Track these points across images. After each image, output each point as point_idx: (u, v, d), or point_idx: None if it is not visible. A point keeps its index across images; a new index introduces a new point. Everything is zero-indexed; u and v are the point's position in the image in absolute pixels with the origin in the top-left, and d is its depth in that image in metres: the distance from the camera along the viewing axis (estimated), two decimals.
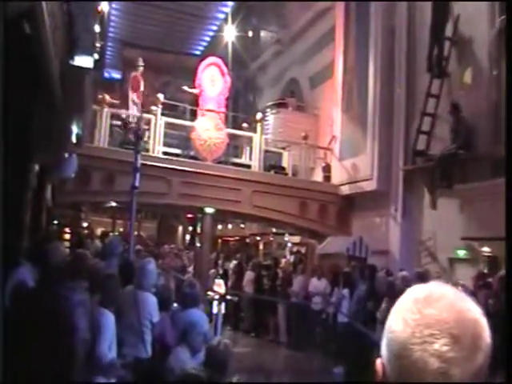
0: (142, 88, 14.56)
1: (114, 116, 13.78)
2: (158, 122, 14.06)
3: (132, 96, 14.38)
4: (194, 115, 15.54)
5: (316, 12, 18.24)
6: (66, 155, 8.78)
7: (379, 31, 13.87)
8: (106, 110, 13.47)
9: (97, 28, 8.39)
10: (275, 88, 21.65)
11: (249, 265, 16.76)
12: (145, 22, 23.55)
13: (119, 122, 13.87)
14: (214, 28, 24.49)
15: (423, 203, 12.29)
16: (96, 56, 8.49)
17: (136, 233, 22.36)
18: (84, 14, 6.75)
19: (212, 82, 15.22)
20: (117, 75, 26.00)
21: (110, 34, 23.40)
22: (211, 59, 15.68)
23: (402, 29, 13.37)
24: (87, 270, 5.63)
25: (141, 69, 14.91)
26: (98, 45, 9.25)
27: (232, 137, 15.51)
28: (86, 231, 19.86)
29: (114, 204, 14.92)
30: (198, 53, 25.68)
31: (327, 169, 15.70)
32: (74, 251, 7.50)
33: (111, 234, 19.75)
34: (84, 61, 7.01)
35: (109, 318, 4.97)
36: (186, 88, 15.31)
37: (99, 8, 10.07)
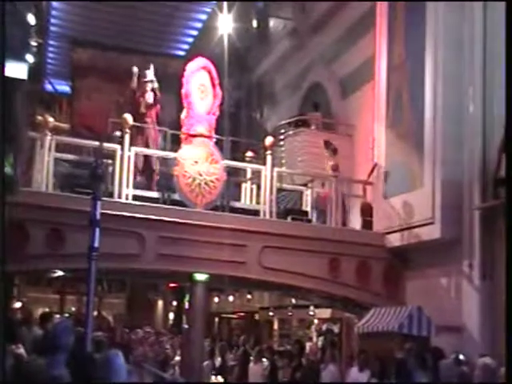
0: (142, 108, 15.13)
1: (60, 146, 13.80)
2: (126, 154, 14.13)
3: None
4: (177, 142, 15.58)
5: None
6: None
7: (441, 13, 13.87)
8: (48, 137, 13.47)
9: (31, 19, 8.25)
10: (292, 99, 21.87)
11: (258, 352, 16.53)
12: (102, 11, 23.60)
13: (69, 156, 13.93)
14: (204, 17, 24.59)
15: None
16: (31, 59, 8.34)
17: (96, 313, 22.15)
18: None
19: (202, 94, 15.28)
20: (63, 86, 26.10)
21: (53, 29, 23.49)
22: (200, 61, 15.79)
23: (476, 7, 13.36)
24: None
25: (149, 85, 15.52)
26: (34, 43, 9.11)
27: (232, 171, 15.71)
28: (19, 314, 19.59)
29: (62, 273, 14.88)
30: (181, 53, 25.83)
31: (368, 211, 15.74)
32: None
33: (58, 316, 19.51)
34: (13, 68, 6.87)
35: None
36: None
37: None
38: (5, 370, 5.30)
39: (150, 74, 15.71)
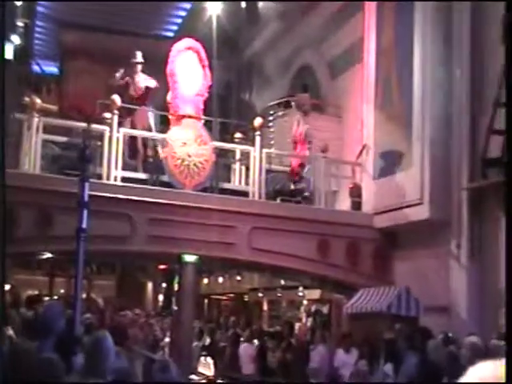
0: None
1: (48, 128, 13.76)
2: (115, 136, 14.12)
3: None
4: (165, 123, 15.62)
5: None
6: None
7: None
8: (36, 119, 13.44)
9: None
10: (281, 81, 21.83)
11: (248, 333, 16.63)
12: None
13: (57, 138, 13.91)
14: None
15: (500, 235, 12.10)
16: (18, 41, 8.28)
17: (85, 295, 22.14)
18: None
19: (189, 74, 15.23)
20: (51, 68, 25.92)
21: (40, 10, 23.29)
22: (188, 42, 15.78)
23: None
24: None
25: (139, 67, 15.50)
26: (20, 24, 9.04)
27: (221, 153, 15.66)
28: (7, 296, 19.61)
29: (50, 255, 14.84)
30: (169, 34, 25.68)
31: (357, 192, 15.75)
32: None
33: (47, 298, 19.50)
34: None
35: None
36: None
37: None
38: (4, 369, 5.36)
39: (139, 55, 15.66)
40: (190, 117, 14.93)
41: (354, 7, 16.97)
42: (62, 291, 24.28)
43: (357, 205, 15.65)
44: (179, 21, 25.70)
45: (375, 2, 15.69)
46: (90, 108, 15.99)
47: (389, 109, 15.01)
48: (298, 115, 16.69)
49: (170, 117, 15.21)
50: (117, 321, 16.78)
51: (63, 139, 14.32)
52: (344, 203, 16.18)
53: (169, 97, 15.23)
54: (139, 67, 15.63)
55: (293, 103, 18.20)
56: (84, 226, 8.84)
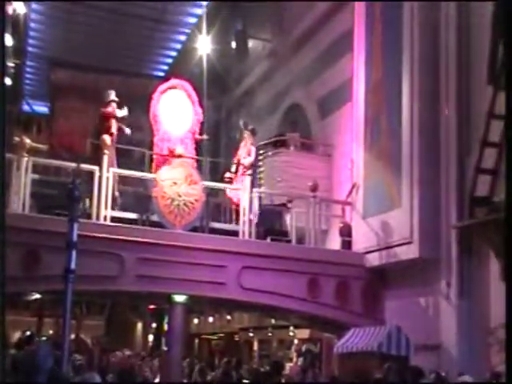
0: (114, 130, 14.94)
1: (38, 168, 13.82)
2: (105, 175, 14.12)
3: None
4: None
5: (324, 11, 18.62)
6: None
7: (417, 31, 14.00)
8: (25, 159, 13.44)
9: (9, 40, 8.20)
10: (270, 119, 21.88)
11: (238, 373, 16.49)
12: (81, 32, 23.60)
13: (46, 177, 14.10)
14: (183, 38, 24.67)
15: (489, 274, 12.21)
16: (9, 81, 8.31)
17: (73, 335, 22.00)
18: None
19: (177, 113, 15.28)
20: (42, 107, 25.99)
21: (31, 49, 23.42)
22: (172, 82, 16.06)
23: (450, 25, 13.50)
24: None
25: (113, 105, 15.30)
26: (11, 64, 9.08)
27: (211, 192, 15.69)
28: None
29: (39, 296, 14.82)
30: (160, 74, 25.85)
31: (347, 231, 15.75)
32: None
33: (36, 339, 19.37)
34: None
35: None
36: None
37: (9, 9, 9.90)
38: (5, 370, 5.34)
39: (112, 94, 15.64)
40: (179, 156, 14.93)
41: (344, 46, 17.03)
42: (51, 332, 24.12)
43: (347, 244, 15.60)
44: (170, 61, 25.94)
45: (364, 42, 15.76)
46: (80, 147, 16.03)
47: (378, 148, 15.02)
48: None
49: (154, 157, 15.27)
50: (106, 361, 16.69)
51: (52, 178, 14.33)
52: (334, 242, 16.15)
53: (155, 138, 15.31)
54: (114, 105, 15.60)
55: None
56: (72, 266, 8.80)
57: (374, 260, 14.82)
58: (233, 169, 16.48)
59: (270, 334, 21.21)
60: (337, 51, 17.84)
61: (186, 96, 15.64)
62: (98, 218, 13.82)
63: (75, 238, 8.88)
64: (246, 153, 16.40)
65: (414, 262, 13.71)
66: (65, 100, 24.23)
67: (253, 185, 15.72)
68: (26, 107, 25.67)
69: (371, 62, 15.60)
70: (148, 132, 16.37)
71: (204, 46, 21.36)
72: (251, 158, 16.21)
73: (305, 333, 18.54)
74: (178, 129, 15.34)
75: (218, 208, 16.57)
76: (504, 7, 11.17)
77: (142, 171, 15.70)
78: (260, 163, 17.80)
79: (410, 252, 13.65)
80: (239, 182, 16.05)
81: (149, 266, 13.70)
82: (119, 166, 15.04)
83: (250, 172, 15.53)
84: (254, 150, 16.48)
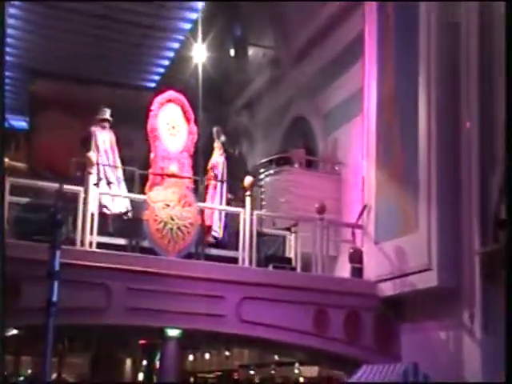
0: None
1: (16, 189, 13.76)
2: (90, 196, 14.10)
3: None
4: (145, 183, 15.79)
5: (331, 14, 18.78)
6: None
7: (434, 35, 13.99)
8: None
9: None
10: (272, 134, 21.82)
11: None
12: (64, 40, 23.60)
13: (26, 200, 13.97)
14: (176, 46, 24.70)
15: None
16: None
17: (55, 375, 21.88)
18: None
19: (173, 130, 15.38)
20: (20, 122, 25.99)
21: (9, 59, 23.39)
22: (170, 94, 16.06)
23: (472, 27, 13.47)
24: None
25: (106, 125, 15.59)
26: None
27: (207, 215, 15.74)
28: None
29: (15, 331, 14.69)
30: (151, 85, 25.88)
31: (357, 257, 15.74)
32: None
33: (13, 380, 19.36)
34: None
35: None
36: None
37: None
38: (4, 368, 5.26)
39: (107, 112, 15.75)
40: (173, 176, 14.97)
41: (353, 54, 17.14)
42: (29, 371, 24.02)
43: (357, 271, 15.57)
44: (162, 70, 25.95)
45: (375, 49, 15.81)
46: (63, 166, 16.02)
47: (392, 165, 15.02)
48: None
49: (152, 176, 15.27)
50: None
51: (32, 201, 14.28)
52: (343, 270, 16.17)
53: (152, 155, 15.31)
54: (106, 124, 15.65)
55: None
56: (54, 298, 8.80)
57: (387, 289, 14.78)
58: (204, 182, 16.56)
59: (273, 372, 21.22)
60: (346, 59, 18.02)
61: (182, 112, 15.71)
62: (82, 244, 13.78)
63: (57, 266, 8.87)
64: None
65: (432, 292, 13.60)
66: (46, 114, 24.25)
67: (221, 201, 16.09)
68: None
69: (384, 70, 15.64)
70: (138, 148, 16.35)
71: (199, 53, 21.54)
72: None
73: (312, 370, 18.52)
74: (174, 146, 15.38)
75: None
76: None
77: (131, 192, 15.69)
78: (261, 182, 17.83)
79: (427, 280, 13.54)
80: (209, 199, 16.21)
81: (139, 298, 13.65)
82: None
83: (249, 193, 15.44)
84: (221, 161, 16.62)
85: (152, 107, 15.53)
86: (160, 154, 15.23)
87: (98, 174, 15.02)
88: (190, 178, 15.74)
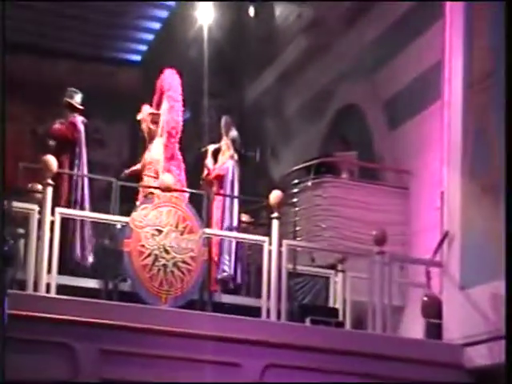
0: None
1: None
2: (47, 220, 14.18)
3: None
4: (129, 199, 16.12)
5: None
6: None
7: None
8: None
9: None
10: (308, 131, 22.12)
11: None
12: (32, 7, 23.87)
13: None
14: (171, 1, 24.71)
15: None
16: None
17: None
18: None
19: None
20: None
21: None
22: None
23: None
24: None
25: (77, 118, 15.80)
26: None
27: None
28: None
29: None
30: (135, 58, 25.98)
31: (434, 309, 15.75)
32: None
33: None
34: None
35: None
36: None
37: None
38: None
39: (77, 97, 15.79)
40: (167, 190, 14.99)
41: (428, 13, 17.22)
42: None
43: (434, 329, 15.57)
44: (151, 37, 26.00)
45: (462, 6, 15.82)
46: (10, 173, 16.04)
47: (485, 176, 15.01)
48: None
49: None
50: None
51: None
52: (414, 327, 16.25)
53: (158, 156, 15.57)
54: (75, 114, 15.77)
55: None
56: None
57: (479, 357, 14.69)
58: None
59: None
60: (417, 20, 18.05)
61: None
62: (36, 287, 13.85)
63: (6, 319, 8.84)
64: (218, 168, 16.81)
65: None
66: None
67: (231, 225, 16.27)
68: None
69: (473, 39, 15.61)
70: (115, 150, 16.35)
71: (204, 13, 21.45)
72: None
73: None
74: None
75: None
76: None
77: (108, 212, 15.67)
78: (294, 199, 17.88)
79: None
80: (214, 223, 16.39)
81: (118, 365, 13.61)
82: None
83: (276, 214, 15.41)
84: (231, 166, 16.74)
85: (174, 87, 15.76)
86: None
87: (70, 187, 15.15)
88: (190, 191, 15.87)
